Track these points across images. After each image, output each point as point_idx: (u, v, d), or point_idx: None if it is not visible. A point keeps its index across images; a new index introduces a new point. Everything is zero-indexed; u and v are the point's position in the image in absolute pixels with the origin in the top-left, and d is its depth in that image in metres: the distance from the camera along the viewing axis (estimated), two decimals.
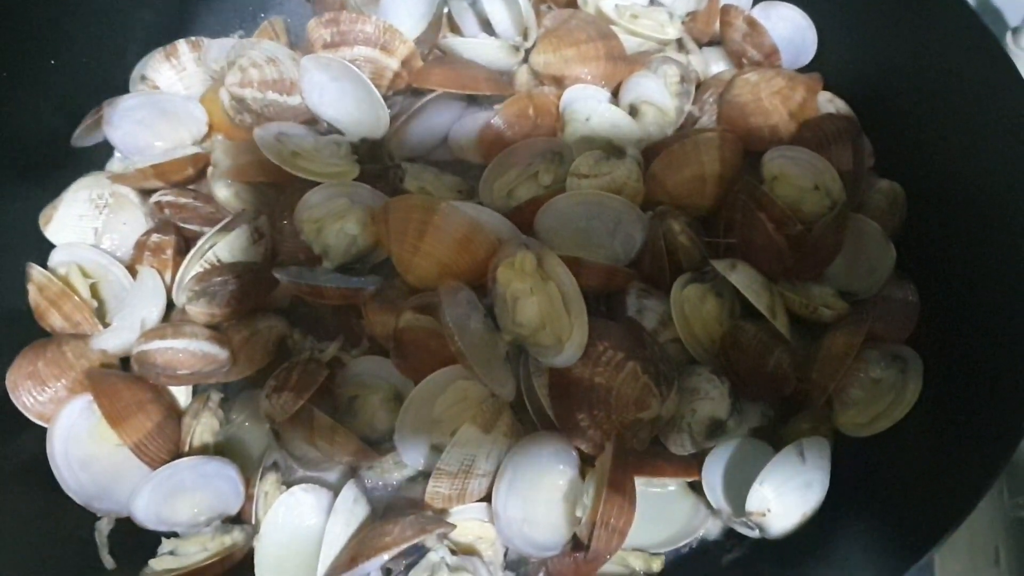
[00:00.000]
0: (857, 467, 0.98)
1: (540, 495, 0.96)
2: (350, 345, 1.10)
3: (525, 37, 1.24)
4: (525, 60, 1.26)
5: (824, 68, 1.24)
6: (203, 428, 1.04)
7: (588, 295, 0.97)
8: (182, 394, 1.09)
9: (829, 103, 1.21)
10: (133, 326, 1.07)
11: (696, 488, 1.02)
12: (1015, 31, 1.31)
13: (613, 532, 0.88)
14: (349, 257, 1.10)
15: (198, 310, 1.05)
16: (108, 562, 0.98)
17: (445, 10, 1.29)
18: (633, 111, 1.19)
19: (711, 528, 1.03)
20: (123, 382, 1.03)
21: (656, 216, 1.07)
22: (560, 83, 1.22)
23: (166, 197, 1.15)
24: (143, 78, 1.25)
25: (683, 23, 1.28)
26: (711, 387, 1.00)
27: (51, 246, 1.13)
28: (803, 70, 1.25)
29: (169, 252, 1.11)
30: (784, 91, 1.17)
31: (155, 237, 1.12)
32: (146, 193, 1.18)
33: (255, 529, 1.00)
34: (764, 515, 0.92)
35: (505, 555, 1.01)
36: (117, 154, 1.25)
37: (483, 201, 1.13)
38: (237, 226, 1.09)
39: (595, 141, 1.15)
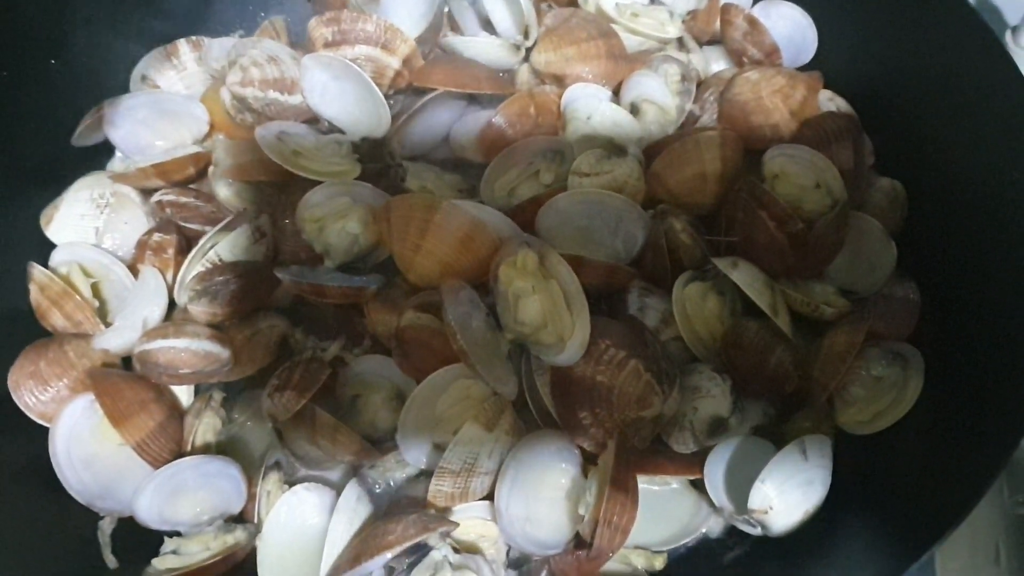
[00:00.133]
0: (858, 465, 0.98)
1: (543, 493, 0.96)
2: (352, 344, 1.09)
3: (526, 36, 1.24)
4: (526, 59, 1.26)
5: (824, 66, 1.23)
6: (205, 427, 1.04)
7: (590, 293, 0.97)
8: (184, 393, 1.09)
9: (830, 101, 1.21)
10: (135, 325, 1.06)
11: (698, 486, 1.03)
12: (1015, 29, 1.31)
13: (616, 530, 0.88)
14: (351, 256, 1.10)
15: (200, 309, 1.05)
16: (111, 561, 0.98)
17: (446, 9, 1.29)
18: (634, 110, 1.19)
19: (713, 526, 1.03)
20: (125, 381, 1.03)
21: (657, 214, 1.07)
22: (561, 82, 1.22)
23: (167, 196, 1.15)
24: (144, 77, 1.25)
25: (684, 22, 1.28)
26: (713, 385, 1.00)
27: (52, 246, 1.13)
28: (803, 68, 1.25)
29: (171, 251, 1.11)
30: (785, 89, 1.17)
31: (157, 236, 1.12)
32: (147, 192, 1.18)
33: (257, 528, 1.00)
34: (766, 513, 0.92)
35: (508, 553, 1.01)
36: (118, 153, 1.25)
37: (484, 200, 1.13)
38: (238, 225, 1.09)
39: (596, 140, 1.15)
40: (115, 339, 1.06)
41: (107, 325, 1.09)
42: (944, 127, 1.08)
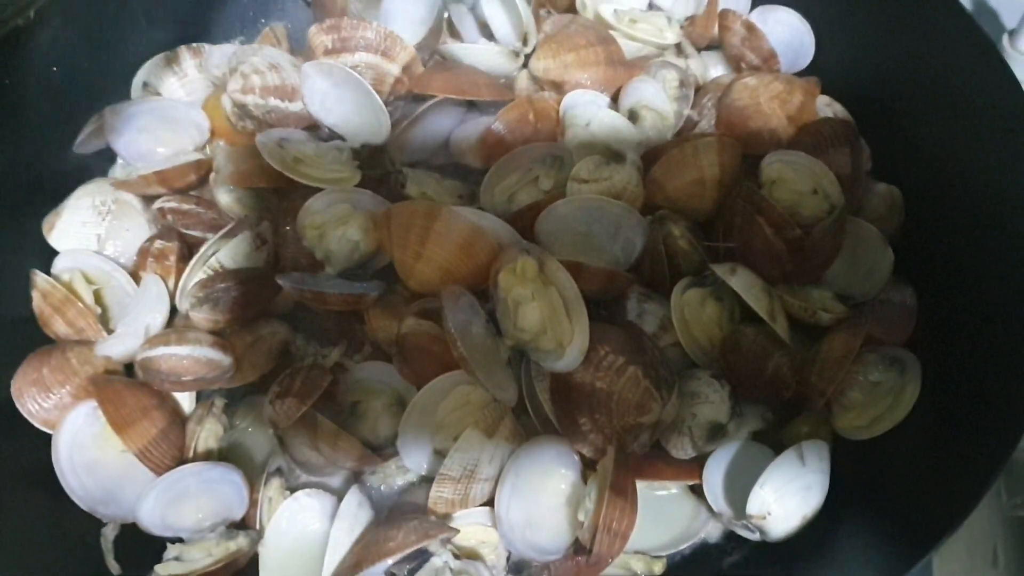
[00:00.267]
0: (856, 470, 0.98)
1: (542, 499, 0.97)
2: (353, 350, 1.10)
3: (525, 42, 1.25)
4: (525, 65, 1.27)
5: (822, 72, 1.24)
6: (207, 434, 1.05)
7: (589, 299, 0.98)
8: (186, 400, 1.09)
9: (827, 107, 1.21)
10: (137, 332, 1.07)
11: (697, 491, 1.03)
12: (1012, 33, 1.32)
13: (615, 535, 0.89)
14: (351, 263, 1.10)
15: (201, 316, 1.06)
16: (114, 567, 0.98)
17: (445, 16, 1.30)
18: (632, 116, 1.19)
19: (712, 531, 1.04)
20: (127, 388, 1.04)
21: (656, 220, 1.08)
22: (560, 88, 1.22)
23: (169, 203, 1.16)
24: (145, 85, 1.26)
25: (682, 27, 1.28)
26: (711, 391, 1.00)
27: (54, 252, 1.14)
28: (801, 74, 1.26)
29: (172, 258, 1.12)
30: (782, 95, 1.18)
31: (158, 243, 1.13)
32: (149, 199, 1.18)
33: (259, 534, 1.00)
34: (765, 518, 0.93)
35: (508, 559, 1.02)
36: (120, 160, 1.25)
37: (484, 206, 1.13)
38: (239, 232, 1.09)
39: (595, 146, 1.15)
40: (117, 346, 1.07)
41: (109, 332, 1.09)
42: (941, 132, 1.09)
